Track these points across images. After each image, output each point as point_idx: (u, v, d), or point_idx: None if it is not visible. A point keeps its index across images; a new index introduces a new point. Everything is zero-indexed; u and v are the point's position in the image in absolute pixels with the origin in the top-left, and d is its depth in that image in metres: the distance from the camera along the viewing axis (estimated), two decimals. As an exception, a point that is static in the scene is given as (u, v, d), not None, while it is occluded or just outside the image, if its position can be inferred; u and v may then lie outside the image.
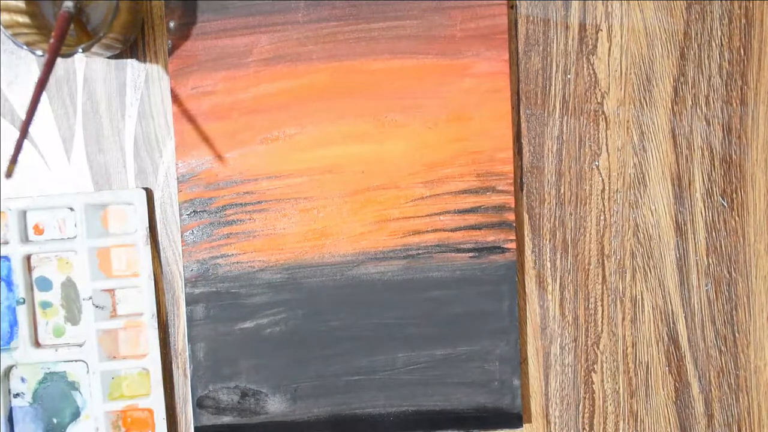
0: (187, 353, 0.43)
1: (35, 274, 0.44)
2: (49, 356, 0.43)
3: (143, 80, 0.43)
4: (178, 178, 0.43)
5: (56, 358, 0.43)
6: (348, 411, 0.43)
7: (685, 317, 0.44)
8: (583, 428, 0.44)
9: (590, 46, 0.43)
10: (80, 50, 0.36)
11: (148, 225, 0.43)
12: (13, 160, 0.33)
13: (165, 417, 0.43)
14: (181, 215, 0.43)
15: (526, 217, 0.43)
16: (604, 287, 0.44)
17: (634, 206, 0.43)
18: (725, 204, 0.43)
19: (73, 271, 0.44)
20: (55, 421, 0.44)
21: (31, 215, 0.43)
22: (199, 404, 0.43)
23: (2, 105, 0.43)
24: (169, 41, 0.42)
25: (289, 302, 0.43)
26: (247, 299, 0.43)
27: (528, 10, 0.43)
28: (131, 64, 0.43)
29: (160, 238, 0.44)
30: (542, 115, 0.43)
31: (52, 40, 0.35)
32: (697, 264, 0.43)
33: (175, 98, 0.42)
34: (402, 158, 0.43)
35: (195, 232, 0.43)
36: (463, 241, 0.43)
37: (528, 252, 0.44)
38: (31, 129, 0.43)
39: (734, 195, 0.43)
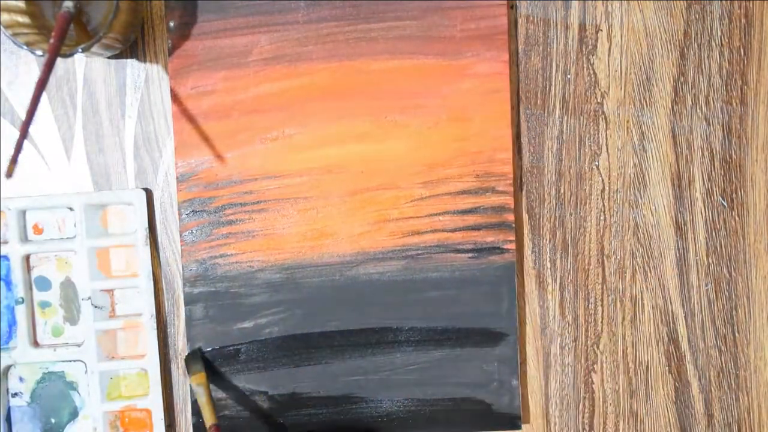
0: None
1: (34, 274, 0.44)
2: (47, 356, 0.43)
3: (143, 80, 0.43)
4: (177, 178, 0.43)
5: (55, 358, 0.43)
6: (348, 411, 0.43)
7: (685, 317, 0.44)
8: (583, 428, 0.44)
9: (590, 46, 0.43)
10: (80, 50, 0.36)
11: (147, 225, 0.43)
12: (13, 160, 0.33)
13: (163, 417, 0.43)
14: (180, 215, 0.43)
15: (525, 217, 0.43)
16: (604, 287, 0.44)
17: (634, 206, 0.43)
18: (725, 204, 0.43)
19: (72, 271, 0.44)
20: (53, 420, 0.44)
21: (30, 215, 0.43)
22: (198, 404, 0.43)
23: (2, 105, 0.43)
24: (169, 41, 0.42)
25: (289, 302, 0.43)
26: (246, 299, 0.43)
27: (528, 10, 0.43)
28: (131, 64, 0.43)
29: (159, 238, 0.44)
30: (542, 115, 0.43)
31: (52, 40, 0.35)
32: (697, 264, 0.43)
33: (175, 98, 0.42)
34: (402, 158, 0.43)
35: (194, 231, 0.43)
36: (463, 241, 0.43)
37: (528, 252, 0.43)
38: (31, 129, 0.43)
39: (734, 195, 0.43)
